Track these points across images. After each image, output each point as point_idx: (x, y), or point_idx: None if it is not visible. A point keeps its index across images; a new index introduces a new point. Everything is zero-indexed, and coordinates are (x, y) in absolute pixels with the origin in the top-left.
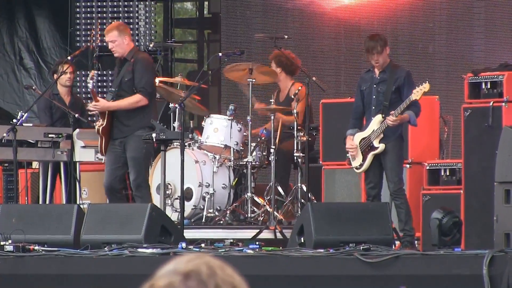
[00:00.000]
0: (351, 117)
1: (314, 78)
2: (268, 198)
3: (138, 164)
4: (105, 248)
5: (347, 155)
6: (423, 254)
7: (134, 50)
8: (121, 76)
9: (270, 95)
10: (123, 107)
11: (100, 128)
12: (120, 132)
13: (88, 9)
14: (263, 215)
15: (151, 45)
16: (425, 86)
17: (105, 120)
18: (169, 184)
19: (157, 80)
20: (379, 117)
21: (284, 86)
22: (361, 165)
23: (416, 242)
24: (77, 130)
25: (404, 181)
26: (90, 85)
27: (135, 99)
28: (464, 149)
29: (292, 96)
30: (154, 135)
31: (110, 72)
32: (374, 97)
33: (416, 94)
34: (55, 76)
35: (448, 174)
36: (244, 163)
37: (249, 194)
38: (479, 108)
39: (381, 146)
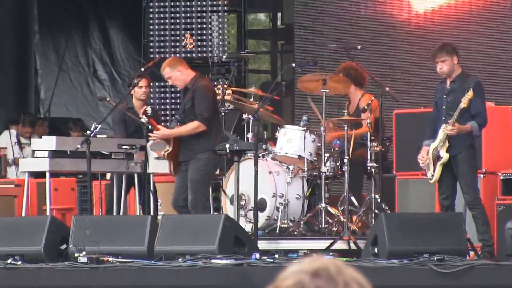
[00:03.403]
0: (428, 127)
1: (387, 88)
2: (341, 208)
3: (195, 186)
4: (179, 259)
5: (421, 165)
6: (497, 265)
7: (196, 77)
8: (183, 104)
9: (339, 107)
10: (182, 134)
11: (166, 154)
12: (185, 156)
13: (162, 21)
14: (337, 225)
15: (224, 56)
16: (469, 94)
17: (171, 146)
18: (243, 194)
19: (230, 91)
20: (444, 126)
21: (353, 97)
22: (432, 175)
23: None
24: (151, 141)
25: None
26: (144, 120)
27: (192, 126)
28: None
29: (366, 107)
30: (228, 145)
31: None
32: (444, 107)
33: (463, 102)
34: (130, 89)
35: None
36: (318, 173)
37: (322, 204)
38: None
39: (445, 156)
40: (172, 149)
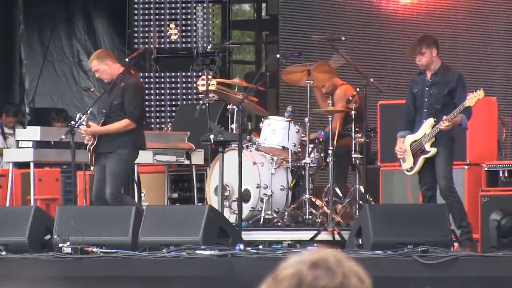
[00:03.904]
0: (401, 119)
1: (371, 80)
2: (326, 199)
3: (114, 179)
4: (163, 250)
5: (399, 156)
6: (482, 256)
7: (124, 73)
8: (111, 99)
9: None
10: (111, 131)
11: (92, 148)
12: (105, 147)
13: (146, 11)
14: (321, 216)
15: (209, 47)
16: (480, 93)
17: (95, 140)
18: (227, 185)
19: (214, 81)
20: (430, 120)
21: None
22: (411, 168)
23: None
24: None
25: (462, 182)
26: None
27: (123, 124)
28: None
29: (350, 98)
30: (212, 136)
31: (162, 74)
32: (426, 99)
33: (470, 101)
34: None
35: (506, 175)
36: (302, 164)
37: (307, 195)
38: None
39: (433, 150)
40: (96, 143)
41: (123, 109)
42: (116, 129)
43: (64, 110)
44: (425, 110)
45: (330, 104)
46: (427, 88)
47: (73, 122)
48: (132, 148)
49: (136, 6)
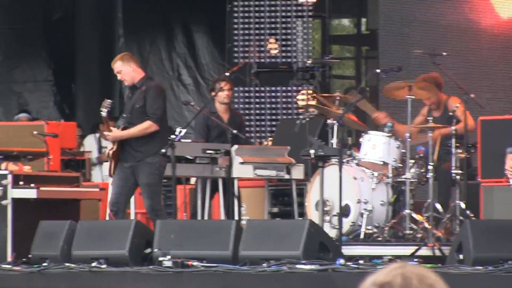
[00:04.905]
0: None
1: (472, 95)
2: (426, 215)
3: (151, 190)
4: (264, 264)
5: (505, 172)
6: None
7: (145, 77)
8: (132, 103)
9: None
10: (134, 135)
11: (111, 152)
12: (131, 158)
13: (246, 26)
14: (421, 232)
15: (308, 62)
16: None
17: (116, 145)
18: (327, 200)
19: (314, 96)
20: None
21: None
22: None
23: None
24: (235, 146)
25: None
26: (103, 114)
27: (145, 126)
28: None
29: (455, 108)
30: (312, 151)
31: (263, 89)
32: None
33: None
34: (213, 93)
35: None
36: (402, 180)
37: (407, 211)
38: None
39: None
40: (116, 149)
41: (145, 113)
42: (138, 132)
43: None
44: None
45: (431, 120)
46: None
47: (173, 136)
48: (160, 155)
49: (236, 20)
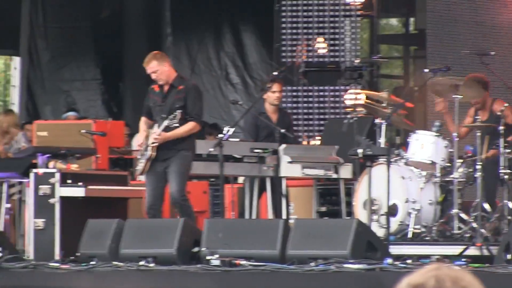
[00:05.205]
0: None
1: None
2: (474, 214)
3: (180, 178)
4: (311, 263)
5: None
6: None
7: (180, 76)
8: (171, 103)
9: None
10: (179, 136)
11: (154, 154)
12: (166, 154)
13: (294, 25)
14: (469, 231)
15: (356, 61)
16: None
17: (154, 151)
18: (375, 199)
19: (362, 95)
20: None
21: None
22: None
23: None
24: (284, 145)
25: None
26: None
27: (189, 127)
28: None
29: (499, 112)
30: (360, 150)
31: (311, 88)
32: None
33: None
34: (263, 94)
35: None
36: (450, 179)
37: (455, 210)
38: None
39: None
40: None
41: (185, 112)
42: (183, 133)
43: (216, 125)
44: None
45: (478, 120)
46: None
47: (220, 135)
48: (193, 152)
49: (283, 20)
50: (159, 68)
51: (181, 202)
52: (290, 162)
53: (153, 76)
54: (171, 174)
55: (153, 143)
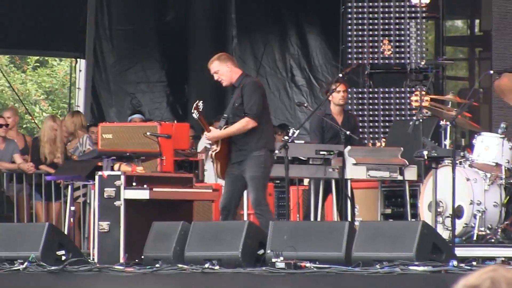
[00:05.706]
0: None
1: None
2: None
3: (256, 183)
4: (377, 266)
5: None
6: None
7: (243, 75)
8: (232, 102)
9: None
10: (233, 133)
11: (214, 154)
12: (238, 156)
13: (360, 27)
14: None
15: (422, 63)
16: None
17: (219, 146)
18: (440, 201)
19: (428, 97)
20: None
21: None
22: None
23: None
24: (349, 147)
25: None
26: (195, 115)
27: (243, 123)
28: None
29: None
30: (425, 152)
31: (376, 90)
32: None
33: None
34: (328, 95)
35: None
36: None
37: None
38: None
39: None
40: (220, 149)
41: (243, 110)
42: (236, 130)
43: (284, 125)
44: None
45: None
46: None
47: (286, 137)
48: (267, 150)
49: (349, 21)
50: (220, 69)
51: (258, 212)
52: (355, 164)
53: (216, 77)
54: (247, 181)
55: (209, 143)
